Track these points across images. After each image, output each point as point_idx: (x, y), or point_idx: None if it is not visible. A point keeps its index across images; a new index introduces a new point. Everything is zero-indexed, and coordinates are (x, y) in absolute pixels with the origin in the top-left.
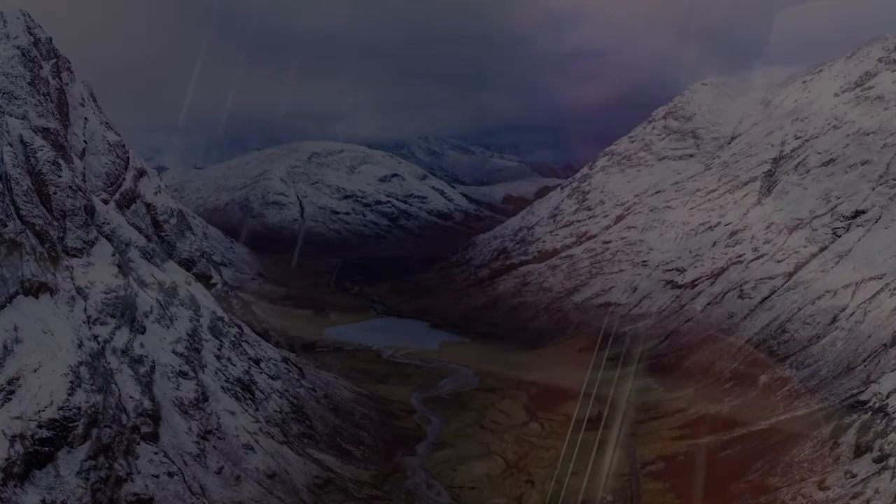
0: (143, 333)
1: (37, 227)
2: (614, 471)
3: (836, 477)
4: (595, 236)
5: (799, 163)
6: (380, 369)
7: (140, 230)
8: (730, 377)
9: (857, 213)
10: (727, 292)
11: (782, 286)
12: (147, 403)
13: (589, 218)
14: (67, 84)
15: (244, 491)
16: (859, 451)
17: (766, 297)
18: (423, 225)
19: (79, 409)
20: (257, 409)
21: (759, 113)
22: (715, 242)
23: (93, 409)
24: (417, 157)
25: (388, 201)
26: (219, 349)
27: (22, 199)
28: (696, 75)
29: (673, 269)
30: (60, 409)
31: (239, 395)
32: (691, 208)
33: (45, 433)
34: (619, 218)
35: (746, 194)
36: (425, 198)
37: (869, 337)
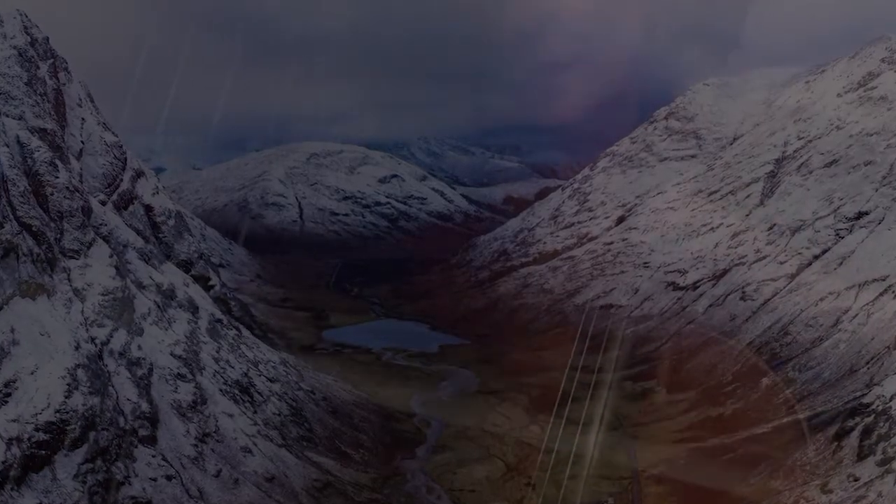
0: (140, 335)
1: (34, 229)
2: (615, 474)
3: (839, 480)
4: (596, 238)
5: (801, 164)
6: (379, 372)
7: (138, 231)
8: (732, 380)
9: (860, 215)
10: (729, 294)
11: (785, 288)
12: (145, 406)
13: (590, 219)
14: (65, 84)
15: (243, 494)
16: (862, 454)
17: (769, 299)
18: (422, 226)
19: (76, 411)
20: (256, 412)
21: (761, 113)
22: (717, 244)
23: (90, 411)
24: (417, 158)
25: (388, 202)
26: (217, 351)
27: (19, 200)
28: (699, 75)
29: (674, 271)
30: (57, 411)
31: (237, 397)
32: (693, 209)
33: (41, 436)
34: (621, 219)
35: (749, 195)
36: (425, 199)
37: (872, 339)
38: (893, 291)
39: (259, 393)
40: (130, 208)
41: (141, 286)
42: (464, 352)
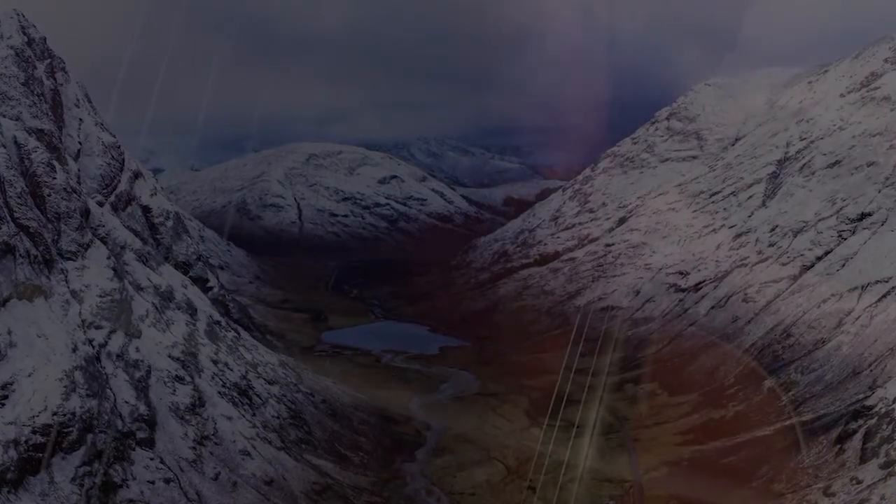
0: (138, 338)
1: (31, 230)
2: (617, 477)
3: (842, 483)
4: (597, 239)
5: (804, 164)
6: (379, 374)
7: (136, 233)
8: (734, 382)
9: (863, 216)
10: (731, 296)
11: (787, 290)
12: (143, 408)
13: (591, 220)
14: (62, 85)
15: (241, 497)
16: (865, 457)
17: (771, 301)
18: (422, 227)
19: (73, 414)
20: (254, 415)
21: (763, 114)
22: (719, 245)
23: (87, 414)
24: (417, 159)
25: (388, 203)
26: (216, 353)
27: (16, 201)
28: (700, 75)
29: (676, 273)
30: (55, 414)
31: (236, 400)
32: (695, 211)
33: (39, 439)
34: (622, 220)
35: (751, 196)
36: (425, 200)
37: (875, 341)
38: None
39: (258, 395)
40: (128, 209)
41: (139, 288)
42: (464, 354)
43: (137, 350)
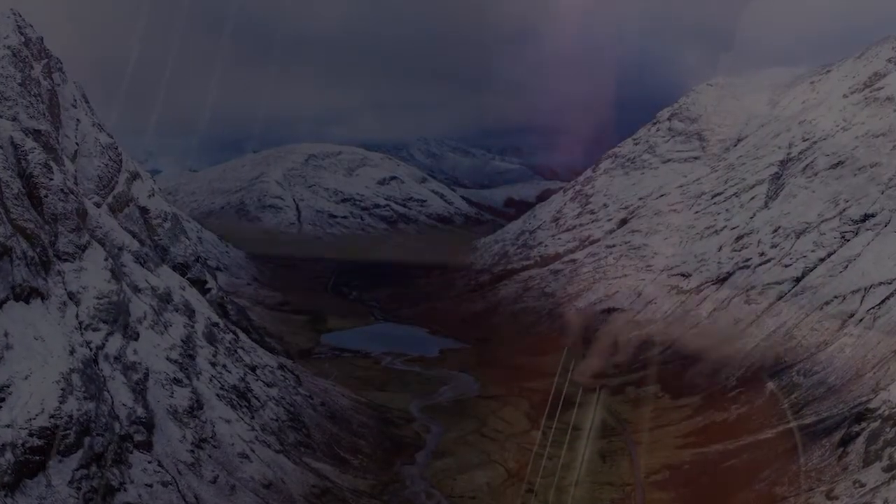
0: (136, 340)
1: (28, 231)
2: (618, 480)
3: (845, 486)
4: (598, 240)
5: (807, 165)
6: (378, 376)
7: (133, 234)
8: (736, 384)
9: (866, 217)
10: (733, 298)
11: (790, 291)
12: (140, 411)
13: (592, 222)
14: (59, 85)
15: (240, 501)
16: (868, 459)
17: (773, 303)
18: (422, 228)
19: (70, 417)
20: (253, 418)
21: (765, 114)
22: (721, 247)
23: (85, 417)
24: (417, 160)
25: (387, 204)
26: (214, 356)
27: (12, 202)
28: (702, 76)
29: (678, 274)
30: (52, 417)
31: (234, 402)
32: (696, 212)
33: (35, 442)
34: (623, 222)
35: (753, 197)
36: (425, 201)
37: (878, 343)
38: None
39: (256, 398)
40: (126, 211)
41: (137, 290)
42: (464, 356)
43: (135, 352)
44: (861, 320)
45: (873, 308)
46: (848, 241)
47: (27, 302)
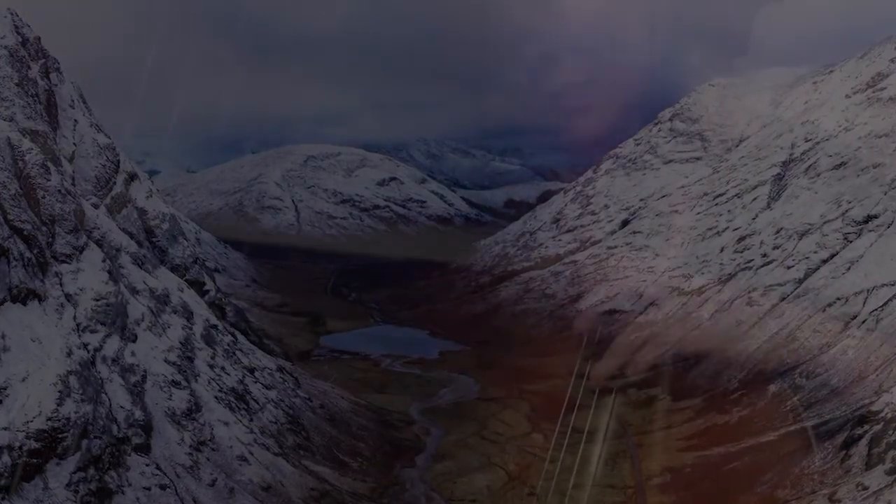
0: (134, 342)
1: (25, 233)
2: (619, 483)
3: (848, 489)
4: (599, 242)
5: (809, 166)
6: (378, 378)
7: (131, 235)
8: (738, 387)
9: (869, 218)
10: (735, 299)
11: (792, 293)
12: (138, 414)
13: (593, 223)
14: (56, 85)
15: None
16: (871, 462)
17: (776, 305)
18: (422, 230)
19: (68, 419)
20: (252, 420)
21: (768, 114)
22: (723, 248)
23: (82, 419)
24: (416, 160)
25: (387, 206)
26: (212, 358)
27: (9, 203)
28: (704, 76)
29: (679, 276)
30: (49, 419)
31: (233, 405)
32: (698, 213)
33: (33, 444)
34: (624, 223)
35: (755, 198)
36: (424, 202)
37: (881, 345)
38: None
39: (255, 400)
40: (124, 212)
41: (134, 291)
42: (464, 358)
43: (133, 354)
44: (864, 322)
45: (876, 310)
46: (850, 242)
47: (24, 303)
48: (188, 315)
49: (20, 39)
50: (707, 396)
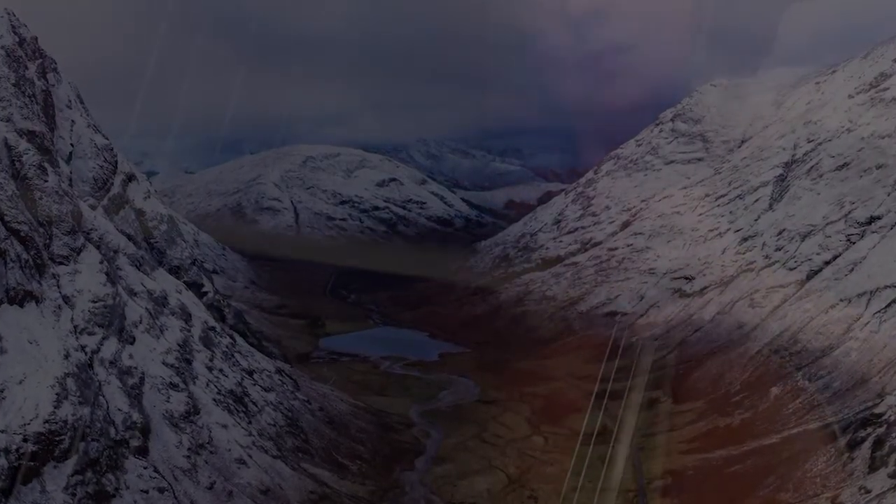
0: (132, 344)
1: (22, 234)
2: (621, 486)
3: (850, 492)
4: (600, 243)
5: (811, 167)
6: (377, 381)
7: (129, 237)
8: (740, 389)
9: (872, 220)
10: (737, 301)
11: (794, 295)
12: (136, 416)
13: (594, 224)
14: (54, 85)
15: None
16: (874, 465)
17: (778, 307)
18: (422, 231)
19: (65, 422)
20: (250, 423)
21: (770, 115)
22: (724, 249)
23: (80, 422)
24: (416, 161)
25: (386, 207)
26: (210, 360)
27: (6, 204)
28: (706, 76)
29: (681, 277)
30: (46, 422)
31: (231, 407)
32: (700, 214)
33: (30, 447)
34: (626, 224)
35: (757, 199)
36: (424, 203)
37: (884, 347)
38: None
39: (254, 403)
40: (121, 213)
41: (132, 293)
42: (464, 360)
43: (131, 356)
44: (867, 324)
45: (879, 311)
46: (853, 243)
47: (21, 305)
48: (186, 317)
49: (17, 39)
50: (709, 399)
